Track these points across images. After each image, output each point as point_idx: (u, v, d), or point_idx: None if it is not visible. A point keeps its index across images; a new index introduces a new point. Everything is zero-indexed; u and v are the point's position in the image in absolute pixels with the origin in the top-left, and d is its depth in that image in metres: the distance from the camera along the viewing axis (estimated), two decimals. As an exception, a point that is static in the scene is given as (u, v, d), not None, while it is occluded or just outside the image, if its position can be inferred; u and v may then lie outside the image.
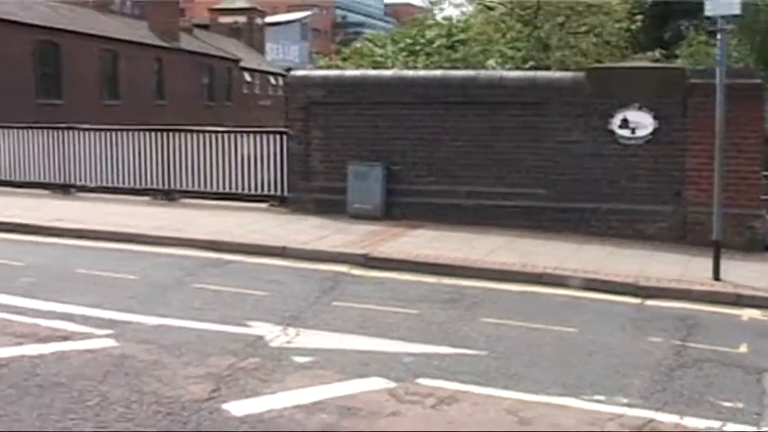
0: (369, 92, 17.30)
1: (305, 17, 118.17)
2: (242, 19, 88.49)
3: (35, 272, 12.31)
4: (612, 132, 15.57)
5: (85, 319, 9.47)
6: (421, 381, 7.68)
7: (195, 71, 62.92)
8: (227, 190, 19.04)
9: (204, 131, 19.76)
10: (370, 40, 45.09)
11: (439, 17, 42.38)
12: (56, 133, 21.32)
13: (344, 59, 42.40)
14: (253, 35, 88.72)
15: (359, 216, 16.57)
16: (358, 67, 35.75)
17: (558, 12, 36.51)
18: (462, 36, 37.79)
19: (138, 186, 19.92)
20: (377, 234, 15.05)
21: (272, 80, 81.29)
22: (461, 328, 9.62)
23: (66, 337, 8.84)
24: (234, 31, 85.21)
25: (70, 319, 9.46)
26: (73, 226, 15.83)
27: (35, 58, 46.09)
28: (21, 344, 8.56)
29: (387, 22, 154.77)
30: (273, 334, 9.05)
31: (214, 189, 19.18)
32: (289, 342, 8.80)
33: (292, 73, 19.18)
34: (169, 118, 45.07)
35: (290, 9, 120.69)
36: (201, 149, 19.32)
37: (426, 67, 34.33)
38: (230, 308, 10.17)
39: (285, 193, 18.07)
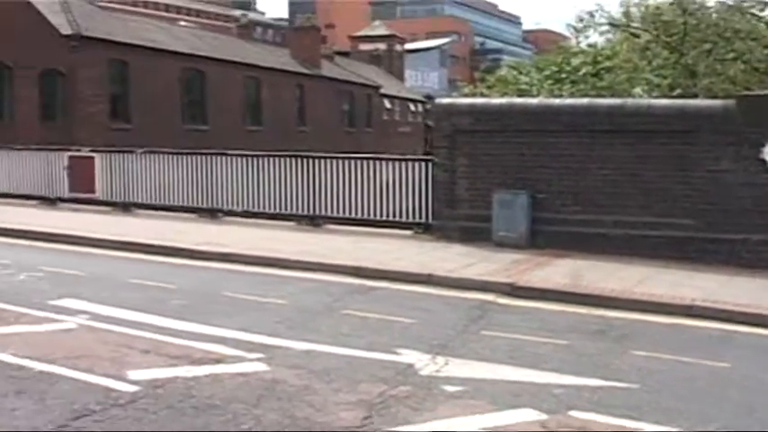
0: (515, 120, 17.25)
1: (444, 44, 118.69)
2: (382, 46, 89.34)
3: (186, 294, 12.65)
4: (764, 162, 15.15)
5: (237, 343, 9.65)
6: (573, 413, 7.60)
7: (336, 98, 63.68)
8: (371, 216, 19.20)
9: (348, 158, 19.97)
10: (514, 68, 45.05)
11: (583, 44, 42.15)
12: (203, 159, 21.88)
13: (489, 87, 42.41)
14: (392, 62, 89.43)
15: (504, 244, 16.50)
16: (503, 94, 35.72)
17: (705, 38, 35.88)
18: (608, 64, 37.42)
19: (283, 212, 20.26)
20: (522, 263, 14.97)
21: (412, 107, 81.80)
22: (612, 360, 9.48)
23: (218, 359, 9.03)
24: (374, 58, 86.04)
25: (222, 342, 9.65)
26: (221, 250, 16.23)
27: (182, 86, 47.37)
28: (175, 365, 8.78)
29: (525, 48, 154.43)
30: (423, 362, 9.06)
31: (358, 215, 19.36)
32: (438, 371, 8.81)
33: (438, 101, 19.25)
34: (310, 144, 45.76)
35: (429, 36, 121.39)
36: (346, 176, 19.53)
37: (572, 94, 34.08)
38: (378, 335, 10.24)
39: (429, 221, 18.14)
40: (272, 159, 20.85)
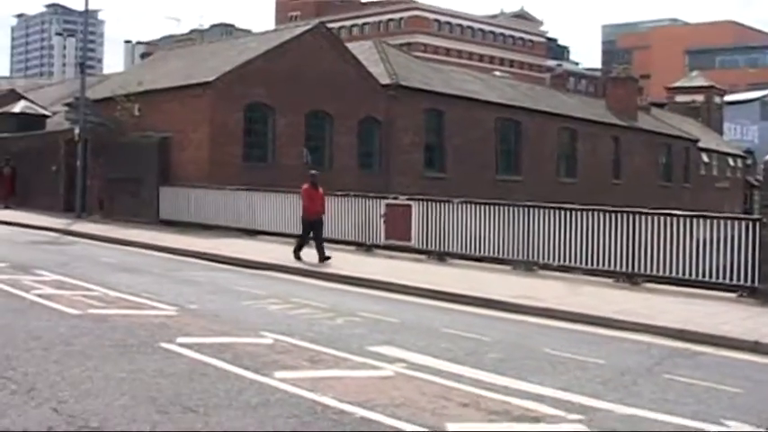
0: None
1: (765, 96, 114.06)
2: (699, 98, 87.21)
3: (502, 348, 12.63)
4: None
5: (555, 402, 9.49)
6: None
7: (652, 151, 62.46)
8: (689, 276, 18.62)
9: (669, 215, 19.50)
10: None
11: None
12: (519, 210, 22.04)
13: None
14: (710, 114, 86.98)
15: (838, 313, 15.55)
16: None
17: None
18: None
19: (599, 267, 20.03)
20: None
21: (731, 161, 79.09)
22: None
23: (537, 418, 8.92)
24: (691, 110, 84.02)
25: (540, 401, 9.53)
26: (538, 304, 16.20)
27: (497, 136, 47.91)
28: (493, 420, 8.75)
29: None
30: (752, 437, 8.63)
31: (676, 274, 18.82)
32: (771, 448, 8.36)
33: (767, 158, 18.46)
34: (624, 198, 45.14)
35: (750, 87, 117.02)
36: (665, 233, 19.08)
37: None
38: (703, 403, 9.80)
39: (755, 284, 17.37)
40: (588, 213, 20.69)
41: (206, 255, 24.38)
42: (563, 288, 18.66)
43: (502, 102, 49.21)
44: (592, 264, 20.22)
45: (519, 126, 49.46)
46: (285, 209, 28.70)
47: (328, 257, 22.24)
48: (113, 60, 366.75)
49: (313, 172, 24.29)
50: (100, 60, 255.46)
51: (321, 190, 23.83)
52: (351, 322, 14.39)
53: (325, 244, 22.93)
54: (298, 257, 22.70)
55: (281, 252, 23.96)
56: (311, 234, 23.29)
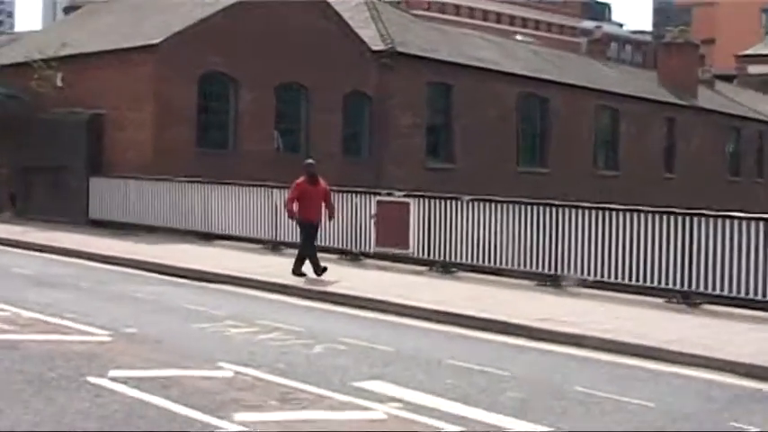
0: None
1: None
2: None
3: (523, 385, 12.65)
4: None
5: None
6: None
7: (715, 136, 62.11)
8: (764, 297, 18.56)
9: (738, 217, 19.32)
10: None
11: None
12: (545, 210, 21.98)
13: None
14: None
15: None
16: None
17: None
18: None
19: (647, 284, 20.01)
20: None
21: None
22: None
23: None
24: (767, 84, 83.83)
25: (565, 455, 9.57)
26: (568, 330, 16.23)
27: (518, 116, 47.78)
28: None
29: None
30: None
31: (746, 294, 18.82)
32: None
33: None
34: (679, 195, 45.10)
35: None
36: (732, 241, 19.00)
37: None
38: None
39: None
40: (633, 215, 20.72)
41: (148, 264, 24.37)
42: (600, 310, 18.67)
43: (525, 73, 49.15)
44: (637, 279, 20.22)
45: (546, 104, 49.44)
46: (250, 206, 28.71)
47: (303, 274, 21.92)
48: (28, 15, 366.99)
49: (310, 161, 23.38)
50: (10, 15, 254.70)
51: (324, 183, 22.80)
52: (332, 351, 14.44)
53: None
54: (320, 272, 21.88)
55: (244, 261, 24.00)
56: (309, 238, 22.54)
